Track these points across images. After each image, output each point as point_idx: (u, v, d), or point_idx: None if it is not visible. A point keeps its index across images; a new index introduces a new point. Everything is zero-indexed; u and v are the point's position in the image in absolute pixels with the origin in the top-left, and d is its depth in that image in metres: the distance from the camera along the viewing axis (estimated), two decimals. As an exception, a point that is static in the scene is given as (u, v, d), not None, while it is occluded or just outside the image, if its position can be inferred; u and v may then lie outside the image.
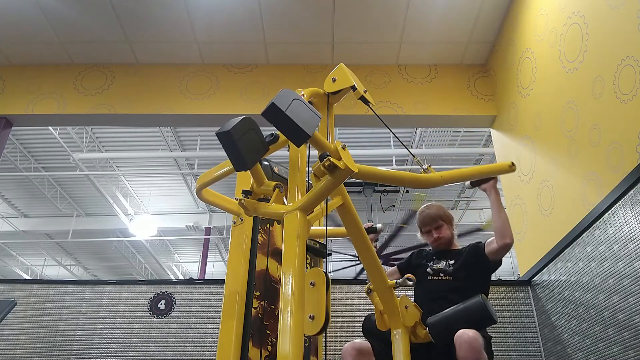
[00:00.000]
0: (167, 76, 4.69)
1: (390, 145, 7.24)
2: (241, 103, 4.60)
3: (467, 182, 2.38)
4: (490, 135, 5.40)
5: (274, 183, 1.67)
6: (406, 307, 1.95)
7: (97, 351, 3.73)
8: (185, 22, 4.33)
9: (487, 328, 2.12)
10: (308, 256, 2.04)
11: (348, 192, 1.78)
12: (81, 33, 4.45)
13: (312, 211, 1.52)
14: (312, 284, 1.40)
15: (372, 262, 1.87)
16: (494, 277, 2.65)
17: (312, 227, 1.54)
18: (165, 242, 10.64)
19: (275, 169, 2.44)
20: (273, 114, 1.24)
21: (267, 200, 1.67)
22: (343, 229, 1.85)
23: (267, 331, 2.07)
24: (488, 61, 4.62)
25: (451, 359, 1.83)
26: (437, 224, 2.47)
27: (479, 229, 8.55)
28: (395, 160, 7.34)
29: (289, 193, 1.61)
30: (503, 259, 2.31)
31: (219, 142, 1.35)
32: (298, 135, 1.27)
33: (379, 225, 2.47)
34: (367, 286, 2.07)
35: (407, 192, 8.33)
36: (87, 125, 6.45)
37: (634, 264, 2.37)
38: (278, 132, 1.59)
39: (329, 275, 1.42)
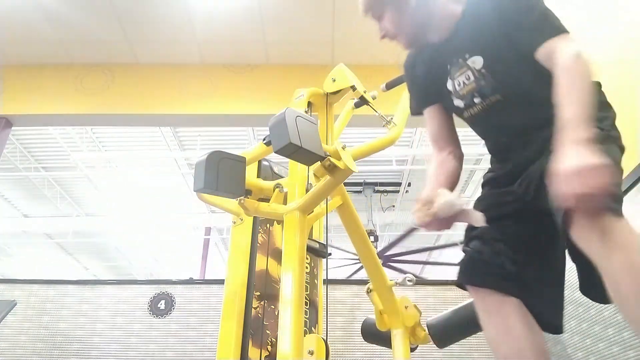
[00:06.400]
0: (167, 76, 4.69)
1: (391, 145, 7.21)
2: (241, 103, 4.60)
3: (382, 86, 2.16)
4: (490, 135, 5.36)
5: (274, 183, 1.67)
6: (406, 307, 1.96)
7: (97, 351, 3.73)
8: (185, 22, 4.32)
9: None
10: (308, 256, 2.04)
11: (348, 192, 1.78)
12: (81, 33, 4.44)
13: (312, 211, 1.52)
14: (311, 353, 1.37)
15: (372, 262, 1.87)
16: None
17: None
18: (165, 242, 10.64)
19: (275, 169, 2.44)
20: (289, 150, 1.23)
21: (267, 200, 1.67)
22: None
23: (267, 331, 2.06)
24: (488, 61, 4.62)
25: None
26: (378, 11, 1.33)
27: None
28: (395, 161, 7.34)
29: (288, 193, 1.61)
30: None
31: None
32: (312, 160, 1.31)
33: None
34: (367, 286, 2.07)
35: (407, 192, 8.32)
36: (87, 125, 6.45)
37: (634, 264, 2.37)
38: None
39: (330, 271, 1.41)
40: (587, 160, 0.94)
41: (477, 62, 1.22)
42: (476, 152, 7.03)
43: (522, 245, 1.17)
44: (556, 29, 1.16)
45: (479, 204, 1.27)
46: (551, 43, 1.13)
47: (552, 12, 1.21)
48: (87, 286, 4.10)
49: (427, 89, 1.36)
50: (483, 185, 1.33)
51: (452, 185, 1.27)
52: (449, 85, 1.29)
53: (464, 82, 1.25)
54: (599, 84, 1.25)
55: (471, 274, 1.20)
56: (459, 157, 1.36)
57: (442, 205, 1.09)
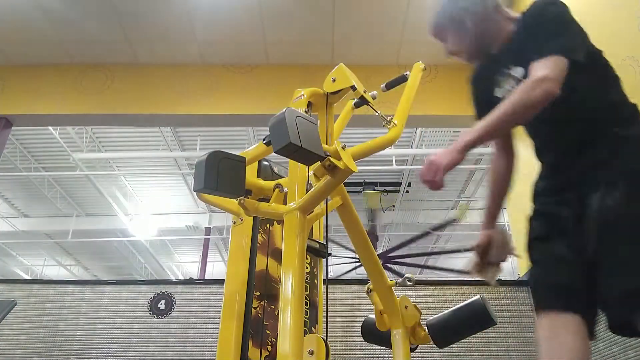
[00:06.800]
0: (167, 76, 4.69)
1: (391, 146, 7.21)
2: (241, 103, 4.60)
3: (382, 86, 2.20)
4: (490, 135, 5.35)
5: (274, 183, 1.67)
6: (406, 307, 1.95)
7: (97, 351, 3.73)
8: (185, 22, 4.33)
9: (488, 329, 2.11)
10: (308, 256, 2.04)
11: (348, 192, 1.78)
12: (81, 33, 4.45)
13: (312, 211, 1.52)
14: (311, 353, 1.36)
15: (372, 262, 1.87)
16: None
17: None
18: (165, 242, 10.63)
19: (275, 169, 2.44)
20: (289, 150, 1.23)
21: (267, 200, 1.67)
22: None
23: (267, 331, 2.07)
24: (488, 61, 4.62)
25: None
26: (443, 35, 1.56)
27: (453, 220, 8.50)
28: (395, 161, 7.34)
29: (288, 193, 1.61)
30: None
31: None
32: (312, 160, 1.31)
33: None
34: (367, 286, 2.07)
35: (407, 192, 8.31)
36: (87, 125, 6.45)
37: (634, 264, 2.37)
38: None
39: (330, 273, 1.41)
40: (436, 157, 1.22)
41: (518, 72, 1.36)
42: (476, 152, 7.04)
43: (579, 260, 1.22)
44: (553, 49, 1.22)
45: (537, 222, 1.38)
46: (536, 64, 1.23)
47: (570, 24, 1.28)
48: (87, 286, 4.10)
49: (486, 102, 1.50)
50: (536, 195, 1.45)
51: (504, 192, 1.58)
52: (498, 93, 1.45)
53: (508, 90, 1.38)
54: (632, 106, 1.35)
55: (539, 298, 1.30)
56: (509, 156, 1.60)
57: (497, 255, 1.52)
